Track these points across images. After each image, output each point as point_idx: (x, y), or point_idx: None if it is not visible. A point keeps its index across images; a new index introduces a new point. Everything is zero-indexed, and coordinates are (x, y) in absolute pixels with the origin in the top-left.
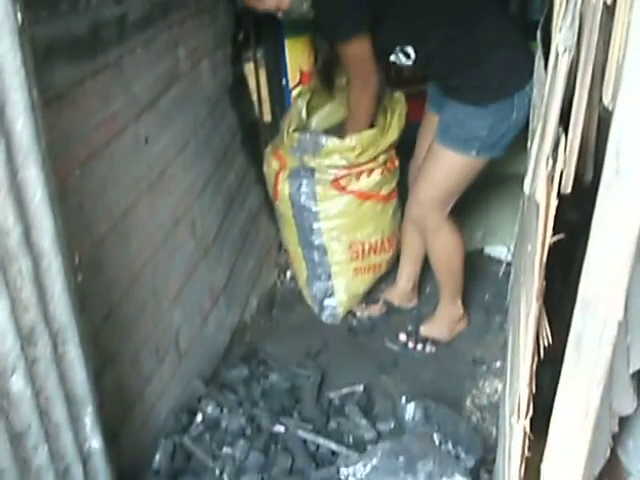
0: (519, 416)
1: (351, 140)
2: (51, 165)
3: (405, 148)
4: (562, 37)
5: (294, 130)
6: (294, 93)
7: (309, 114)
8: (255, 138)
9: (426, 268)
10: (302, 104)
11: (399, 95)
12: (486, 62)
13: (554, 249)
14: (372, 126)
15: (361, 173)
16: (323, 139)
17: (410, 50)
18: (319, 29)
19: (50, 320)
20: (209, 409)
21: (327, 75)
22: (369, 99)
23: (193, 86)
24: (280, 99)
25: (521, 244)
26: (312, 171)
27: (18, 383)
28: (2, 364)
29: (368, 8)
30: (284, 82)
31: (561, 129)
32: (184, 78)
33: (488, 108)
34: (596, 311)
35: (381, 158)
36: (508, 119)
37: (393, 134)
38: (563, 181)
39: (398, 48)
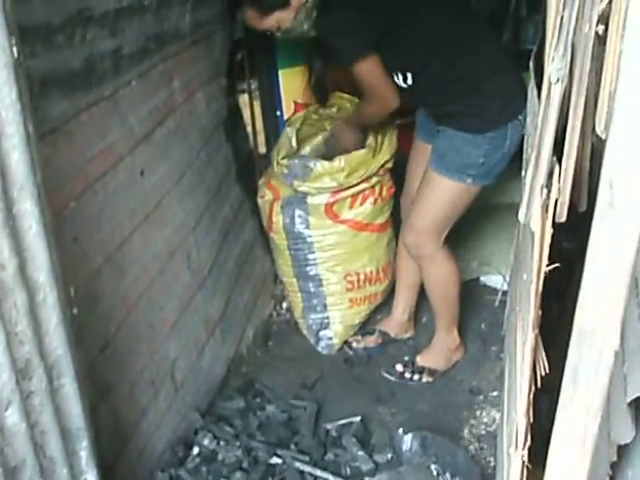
0: (517, 446)
1: (340, 161)
2: (46, 198)
3: (397, 178)
4: (554, 67)
5: (283, 157)
6: None
7: (301, 144)
8: (250, 170)
9: (422, 298)
10: (292, 132)
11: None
12: (484, 89)
13: (550, 277)
14: (362, 147)
15: (355, 199)
16: (312, 162)
17: (409, 73)
18: (323, 51)
19: (45, 353)
20: (205, 441)
21: (321, 93)
22: (383, 115)
23: (188, 118)
24: (275, 130)
25: (517, 273)
26: (305, 199)
27: (13, 417)
28: None
29: (371, 28)
30: (279, 113)
31: (555, 158)
32: (179, 110)
33: (485, 136)
34: (592, 342)
35: (373, 180)
36: (502, 147)
37: (384, 156)
38: (558, 210)
39: (399, 68)
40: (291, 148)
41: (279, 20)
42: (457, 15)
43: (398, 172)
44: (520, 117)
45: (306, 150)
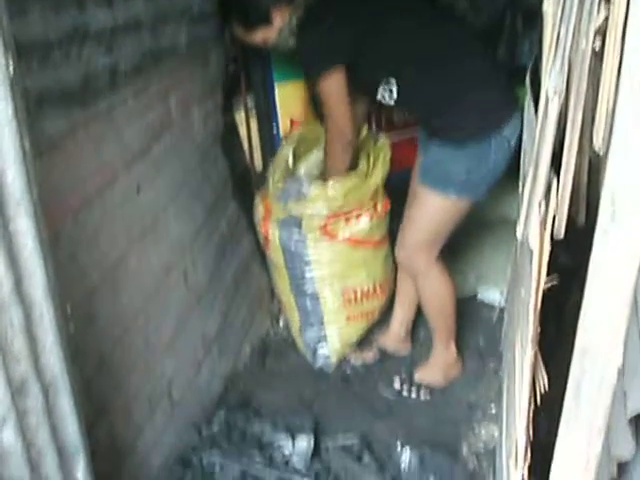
0: (517, 463)
1: (333, 190)
2: (43, 215)
3: (396, 195)
4: (552, 82)
5: (280, 177)
6: None
7: (297, 160)
8: (246, 186)
9: (419, 314)
10: (288, 151)
11: (384, 140)
12: (463, 100)
13: (548, 291)
14: (355, 167)
15: (349, 219)
16: (306, 186)
17: (393, 85)
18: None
19: (42, 371)
20: (203, 459)
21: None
22: (342, 147)
23: (184, 135)
24: (271, 147)
25: (514, 289)
26: (300, 218)
27: (8, 436)
28: None
29: (344, 42)
30: (275, 130)
31: (552, 173)
32: (175, 127)
33: (464, 150)
34: (595, 359)
35: (368, 203)
36: (486, 162)
37: (376, 180)
38: (556, 225)
39: (383, 81)
40: (287, 168)
41: (264, 36)
42: (436, 26)
43: (393, 188)
44: (505, 134)
45: (302, 168)
